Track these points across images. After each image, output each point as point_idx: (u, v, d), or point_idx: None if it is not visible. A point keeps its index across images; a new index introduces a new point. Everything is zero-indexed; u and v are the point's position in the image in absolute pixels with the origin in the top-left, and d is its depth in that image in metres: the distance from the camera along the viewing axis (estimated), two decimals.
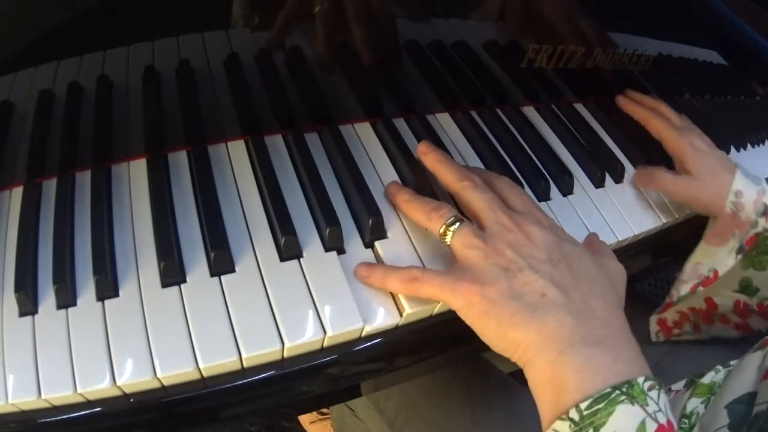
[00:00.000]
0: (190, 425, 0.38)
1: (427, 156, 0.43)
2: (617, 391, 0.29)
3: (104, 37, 0.38)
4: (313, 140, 0.47)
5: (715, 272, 0.49)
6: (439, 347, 0.45)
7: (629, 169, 0.54)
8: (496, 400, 0.57)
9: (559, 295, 0.33)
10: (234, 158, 0.44)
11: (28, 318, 0.34)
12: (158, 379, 0.33)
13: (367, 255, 0.40)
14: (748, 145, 0.69)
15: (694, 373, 0.44)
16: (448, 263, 0.40)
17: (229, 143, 0.45)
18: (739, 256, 0.48)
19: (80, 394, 0.32)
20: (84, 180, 0.41)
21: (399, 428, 0.58)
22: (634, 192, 0.52)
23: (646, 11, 0.58)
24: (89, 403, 0.33)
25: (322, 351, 0.37)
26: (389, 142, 0.48)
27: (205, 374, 0.34)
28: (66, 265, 0.36)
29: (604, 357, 0.31)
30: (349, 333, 0.37)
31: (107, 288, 0.35)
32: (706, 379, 0.43)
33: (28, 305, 0.34)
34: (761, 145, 0.72)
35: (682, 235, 0.53)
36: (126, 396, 0.33)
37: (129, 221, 0.39)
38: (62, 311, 0.34)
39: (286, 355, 0.36)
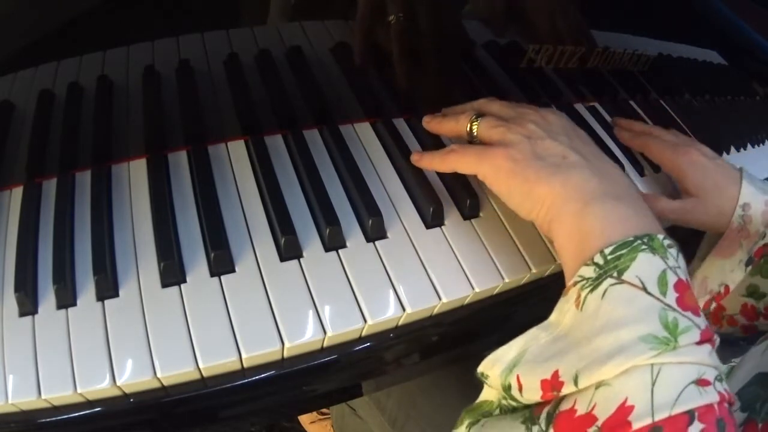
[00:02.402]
0: (190, 425, 0.38)
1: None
2: (639, 241, 0.31)
3: (104, 37, 0.38)
4: (313, 140, 0.47)
5: (726, 287, 0.48)
6: (440, 347, 0.45)
7: (629, 169, 0.54)
8: None
9: (579, 158, 0.36)
10: (234, 158, 0.44)
11: (28, 318, 0.34)
12: (158, 379, 0.33)
13: (369, 250, 0.40)
14: (748, 145, 0.69)
15: None
16: (448, 263, 0.41)
17: (229, 143, 0.45)
18: (749, 268, 0.46)
19: (80, 394, 0.32)
20: (84, 180, 0.41)
21: (400, 427, 0.58)
22: None
23: (646, 11, 0.58)
24: (89, 403, 0.33)
25: (322, 351, 0.37)
26: (389, 142, 0.48)
27: (205, 374, 0.34)
28: (66, 265, 0.36)
29: (626, 209, 0.33)
30: (349, 333, 0.37)
31: (107, 288, 0.35)
32: None
33: (28, 305, 0.34)
34: (761, 145, 0.72)
35: (682, 235, 0.53)
36: (126, 396, 0.33)
37: (129, 221, 0.39)
38: (62, 311, 0.34)
39: (286, 355, 0.36)
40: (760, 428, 0.32)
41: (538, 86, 0.58)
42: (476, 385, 0.59)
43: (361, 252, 0.40)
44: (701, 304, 0.50)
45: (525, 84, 0.57)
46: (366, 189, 0.42)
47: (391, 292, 0.38)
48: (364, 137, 0.48)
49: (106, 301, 0.35)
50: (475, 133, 0.41)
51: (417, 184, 0.44)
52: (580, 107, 0.60)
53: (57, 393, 0.32)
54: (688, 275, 0.31)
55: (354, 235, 0.41)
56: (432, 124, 0.46)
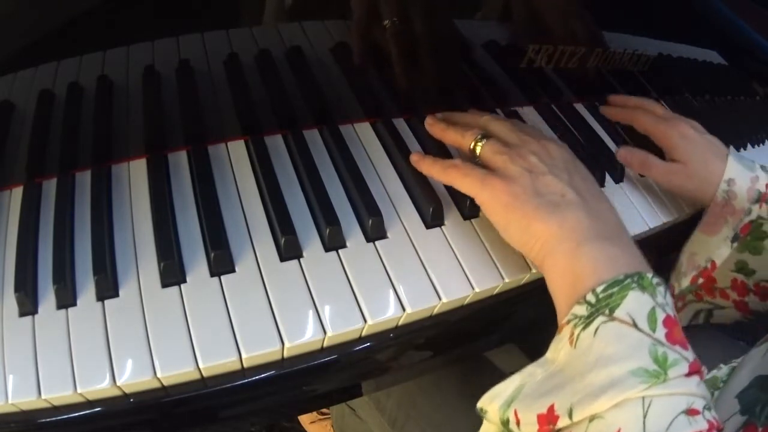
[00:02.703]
0: (190, 425, 0.38)
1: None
2: (629, 279, 0.32)
3: (104, 37, 0.38)
4: (313, 140, 0.47)
5: (713, 263, 0.49)
6: (440, 347, 0.45)
7: (629, 170, 0.54)
8: None
9: (576, 197, 0.37)
10: (234, 158, 0.44)
11: (28, 318, 0.34)
12: (158, 379, 0.33)
13: (369, 250, 0.40)
14: (748, 145, 0.69)
15: None
16: (448, 263, 0.41)
17: (229, 143, 0.45)
18: (735, 245, 0.47)
19: (80, 394, 0.32)
20: (84, 180, 0.41)
21: (400, 427, 0.58)
22: (634, 192, 0.52)
23: (646, 11, 0.58)
24: (89, 403, 0.33)
25: (322, 351, 0.37)
26: (389, 142, 0.48)
27: (205, 374, 0.34)
28: (66, 265, 0.36)
29: (617, 250, 0.35)
30: (349, 333, 0.37)
31: (107, 288, 0.35)
32: (708, 375, 0.43)
33: (28, 305, 0.34)
34: (761, 145, 0.72)
35: (688, 234, 0.53)
36: (126, 396, 0.33)
37: (129, 221, 0.39)
38: (62, 311, 0.34)
39: (286, 355, 0.36)
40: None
41: (538, 86, 0.58)
42: (476, 385, 0.59)
43: (361, 252, 0.40)
44: (689, 279, 0.50)
45: (525, 84, 0.57)
46: (366, 189, 0.42)
47: (391, 292, 0.38)
48: (364, 137, 0.48)
49: (106, 301, 0.35)
50: (477, 154, 0.41)
51: (417, 184, 0.44)
52: (580, 107, 0.60)
53: (57, 393, 0.32)
54: (674, 309, 0.32)
55: (354, 235, 0.41)
56: (435, 129, 0.46)
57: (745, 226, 0.47)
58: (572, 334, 0.32)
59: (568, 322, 0.33)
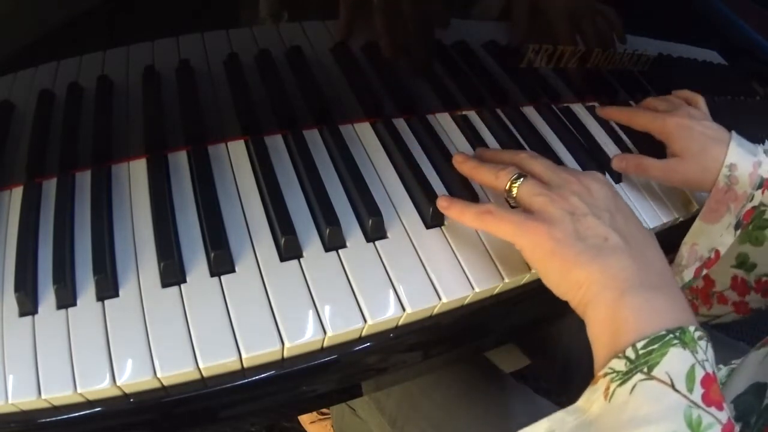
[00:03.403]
0: (190, 425, 0.38)
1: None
2: (671, 335, 0.31)
3: (104, 37, 0.38)
4: (313, 140, 0.47)
5: (717, 252, 0.47)
6: (440, 347, 0.45)
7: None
8: (497, 399, 0.57)
9: (620, 241, 0.35)
10: (234, 158, 0.44)
11: (28, 318, 0.34)
12: (158, 379, 0.33)
13: (369, 250, 0.40)
14: (752, 144, 0.69)
15: None
16: (448, 263, 0.41)
17: (229, 143, 0.45)
18: (738, 231, 0.46)
19: (80, 394, 0.32)
20: (84, 180, 0.41)
21: (400, 427, 0.58)
22: (634, 192, 0.52)
23: (646, 11, 0.58)
24: (89, 403, 0.33)
25: (322, 351, 0.37)
26: (389, 142, 0.48)
27: (205, 374, 0.34)
28: (66, 265, 0.36)
29: (661, 302, 0.33)
30: (349, 333, 0.37)
31: (107, 288, 0.35)
32: None
33: (28, 305, 0.34)
34: (761, 145, 0.71)
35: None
36: (126, 396, 0.33)
37: (129, 221, 0.39)
38: (62, 311, 0.34)
39: (286, 355, 0.36)
40: None
41: (538, 86, 0.58)
42: (476, 385, 0.59)
43: (361, 252, 0.40)
44: (692, 272, 0.49)
45: (525, 84, 0.57)
46: (366, 189, 0.42)
47: (391, 292, 0.38)
48: (364, 137, 0.48)
49: (106, 301, 0.35)
50: (514, 195, 0.39)
51: (417, 184, 0.44)
52: (579, 107, 0.60)
53: (57, 393, 0.32)
54: (714, 363, 0.32)
55: (354, 235, 0.41)
56: (465, 167, 0.44)
57: (748, 212, 0.46)
58: (608, 387, 0.31)
59: (605, 375, 0.32)
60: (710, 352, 0.32)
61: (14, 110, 0.38)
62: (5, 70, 0.36)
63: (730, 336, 0.62)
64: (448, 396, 0.57)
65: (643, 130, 0.53)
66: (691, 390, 0.29)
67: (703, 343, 0.31)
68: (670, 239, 0.53)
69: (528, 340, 0.74)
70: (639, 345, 0.31)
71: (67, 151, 0.41)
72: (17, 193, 0.40)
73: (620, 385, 0.30)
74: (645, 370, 0.30)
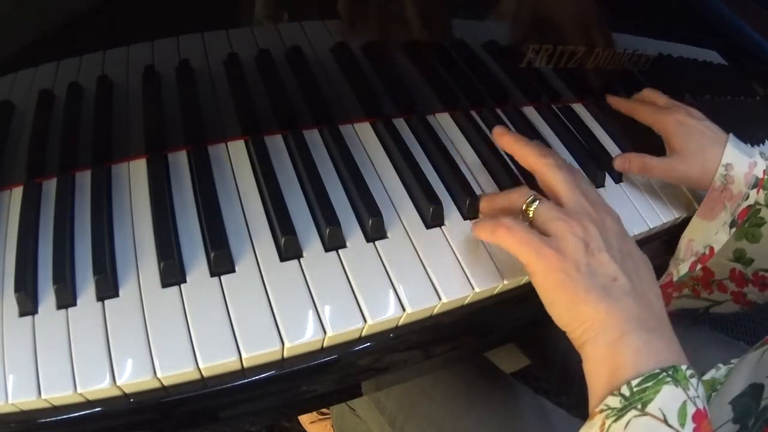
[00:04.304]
0: (190, 425, 0.38)
1: (503, 138, 0.44)
2: (664, 373, 0.32)
3: (104, 37, 0.38)
4: (313, 140, 0.47)
5: (711, 249, 0.48)
6: (440, 347, 0.45)
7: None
8: (497, 399, 0.57)
9: (627, 283, 0.36)
10: (234, 158, 0.44)
11: (28, 318, 0.34)
12: (158, 379, 0.33)
13: (369, 250, 0.40)
14: (748, 145, 0.69)
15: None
16: (448, 263, 0.41)
17: (229, 143, 0.45)
18: (733, 230, 0.47)
19: (80, 394, 0.32)
20: (84, 180, 0.41)
21: (400, 427, 0.58)
22: (634, 192, 0.52)
23: (646, 11, 0.58)
24: (89, 403, 0.33)
25: (322, 351, 0.37)
26: (389, 142, 0.48)
27: (205, 374, 0.34)
28: (66, 265, 0.36)
29: (657, 343, 0.34)
30: (349, 333, 0.37)
31: (107, 288, 0.35)
32: (707, 376, 0.43)
33: (28, 305, 0.34)
34: (761, 145, 0.72)
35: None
36: (126, 396, 0.33)
37: (129, 221, 0.39)
38: (62, 311, 0.34)
39: (286, 355, 0.36)
40: None
41: (538, 86, 0.58)
42: (476, 385, 0.59)
43: (361, 252, 0.40)
44: (687, 265, 0.50)
45: (525, 84, 0.57)
46: (366, 189, 0.42)
47: (391, 292, 0.38)
48: (364, 137, 0.48)
49: (106, 301, 0.35)
50: (530, 217, 0.39)
51: (417, 184, 0.44)
52: (580, 107, 0.60)
53: (57, 393, 0.32)
54: (704, 398, 0.33)
55: (354, 235, 0.41)
56: (483, 203, 0.44)
57: (743, 211, 0.47)
58: (603, 423, 0.32)
59: (601, 411, 0.33)
60: (701, 389, 0.33)
61: (14, 110, 0.38)
62: (5, 70, 0.36)
63: (730, 336, 0.62)
64: (448, 396, 0.57)
65: (643, 122, 0.54)
66: (683, 425, 0.30)
67: (694, 381, 0.32)
68: (673, 236, 0.53)
69: (528, 340, 0.74)
70: (634, 383, 0.32)
71: (67, 151, 0.41)
72: (17, 193, 0.40)
73: (615, 420, 0.31)
74: (639, 406, 0.31)
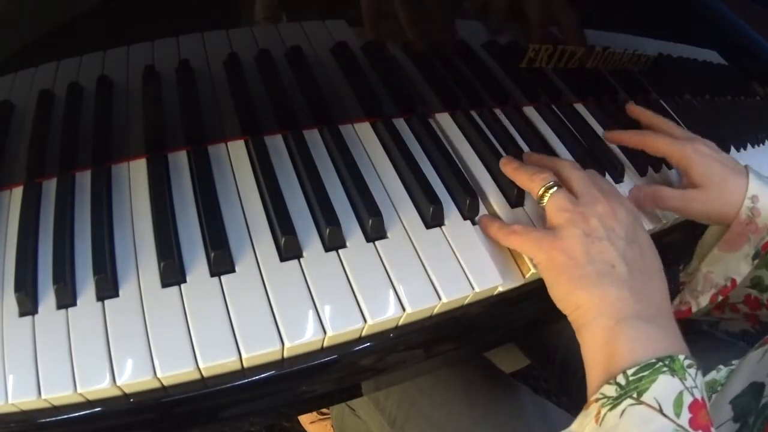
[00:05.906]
0: (190, 425, 0.38)
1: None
2: (661, 363, 0.32)
3: (104, 37, 0.38)
4: (313, 140, 0.47)
5: (733, 281, 0.48)
6: (440, 347, 0.45)
7: (629, 169, 0.54)
8: (497, 399, 0.57)
9: (625, 271, 0.37)
10: (234, 158, 0.44)
11: (28, 318, 0.34)
12: (158, 379, 0.33)
13: (369, 250, 0.40)
14: (748, 145, 0.69)
15: None
16: (448, 263, 0.41)
17: (229, 143, 0.45)
18: (756, 261, 0.46)
19: (80, 394, 0.32)
20: (84, 180, 0.41)
21: (400, 427, 0.58)
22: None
23: (646, 11, 0.58)
24: (89, 403, 0.33)
25: (322, 351, 0.37)
26: (389, 142, 0.48)
27: (205, 374, 0.34)
28: (66, 265, 0.36)
29: (654, 332, 0.35)
30: (349, 333, 0.37)
31: (107, 288, 0.35)
32: (707, 377, 0.43)
33: (28, 305, 0.34)
34: (761, 145, 0.71)
35: (672, 240, 0.53)
36: (126, 396, 0.33)
37: (129, 221, 0.39)
38: (62, 311, 0.34)
39: (286, 355, 0.36)
40: None
41: (538, 86, 0.58)
42: (476, 385, 0.59)
43: (361, 252, 0.40)
44: (707, 298, 0.50)
45: (525, 84, 0.57)
46: (366, 189, 0.42)
47: (391, 292, 0.38)
48: (364, 137, 0.48)
49: (106, 301, 0.35)
50: (543, 203, 0.41)
51: (417, 184, 0.44)
52: (580, 107, 0.60)
53: (57, 393, 0.32)
54: (703, 389, 0.33)
55: (354, 235, 0.41)
56: (508, 168, 0.46)
57: (767, 244, 0.46)
58: (599, 412, 0.33)
59: (597, 400, 0.33)
60: (699, 379, 0.33)
61: (14, 110, 0.38)
62: (5, 70, 0.36)
63: (730, 336, 0.62)
64: (448, 396, 0.57)
65: (658, 155, 0.51)
66: (678, 415, 0.30)
67: (692, 370, 0.32)
68: (660, 243, 0.53)
69: (528, 340, 0.74)
70: (630, 372, 0.32)
71: (67, 151, 0.41)
72: (17, 193, 0.40)
73: (611, 409, 0.32)
74: (634, 395, 0.31)
